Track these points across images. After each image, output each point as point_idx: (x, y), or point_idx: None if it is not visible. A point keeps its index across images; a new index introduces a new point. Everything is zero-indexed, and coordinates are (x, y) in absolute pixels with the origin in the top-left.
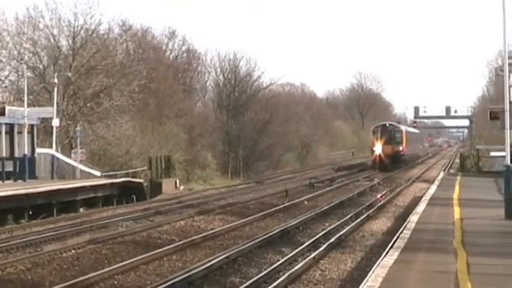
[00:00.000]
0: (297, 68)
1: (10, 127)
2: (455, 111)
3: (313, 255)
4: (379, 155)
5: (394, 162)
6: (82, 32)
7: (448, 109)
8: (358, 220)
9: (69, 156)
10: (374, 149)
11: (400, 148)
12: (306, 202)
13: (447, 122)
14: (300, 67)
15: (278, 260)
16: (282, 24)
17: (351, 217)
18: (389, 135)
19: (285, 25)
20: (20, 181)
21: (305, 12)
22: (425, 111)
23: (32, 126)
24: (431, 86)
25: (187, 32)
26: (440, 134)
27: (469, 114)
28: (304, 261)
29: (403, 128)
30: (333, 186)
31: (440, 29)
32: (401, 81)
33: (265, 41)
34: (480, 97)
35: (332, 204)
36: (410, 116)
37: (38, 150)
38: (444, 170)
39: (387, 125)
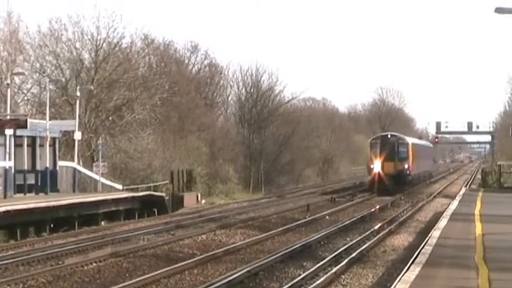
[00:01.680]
0: (318, 83)
1: (32, 140)
2: (477, 127)
3: (334, 269)
4: (379, 175)
5: (397, 184)
6: (104, 45)
7: (469, 124)
8: (380, 235)
9: (91, 170)
10: (372, 166)
11: (406, 166)
12: (327, 217)
13: (469, 138)
14: (322, 82)
15: (299, 275)
16: (305, 39)
17: (372, 232)
18: (392, 149)
19: (307, 40)
20: (41, 194)
21: (327, 28)
22: (446, 127)
23: (54, 139)
24: (453, 101)
25: (209, 45)
26: (461, 149)
27: (491, 129)
28: (325, 276)
29: (409, 140)
30: (354, 201)
31: (463, 44)
32: (424, 96)
33: (287, 55)
34: (502, 113)
35: (353, 219)
36: (432, 131)
37: (60, 163)
38: (466, 186)
39: (389, 136)
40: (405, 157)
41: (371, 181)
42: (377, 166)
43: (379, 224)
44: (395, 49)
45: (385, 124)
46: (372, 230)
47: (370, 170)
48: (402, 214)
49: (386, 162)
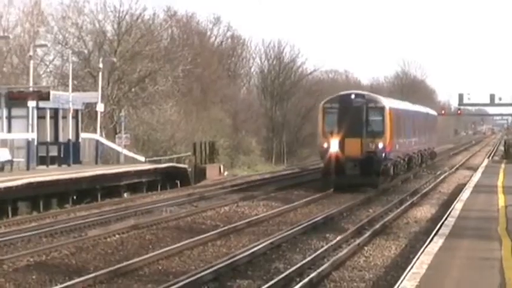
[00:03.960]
0: (342, 56)
1: (55, 112)
2: (500, 99)
3: (357, 241)
4: (336, 159)
5: (366, 174)
6: (127, 17)
7: (492, 96)
8: (402, 207)
9: (114, 141)
10: (325, 145)
11: (380, 145)
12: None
13: (491, 110)
14: (345, 55)
15: (322, 246)
16: (327, 12)
17: (395, 204)
18: (357, 118)
19: (330, 13)
20: (64, 166)
21: (350, 1)
22: (469, 99)
23: (76, 111)
24: (476, 73)
25: (232, 18)
26: (484, 121)
27: None
28: (348, 248)
29: (386, 102)
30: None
31: (485, 16)
32: (446, 68)
33: (310, 27)
34: None
35: (376, 191)
36: (454, 103)
37: (83, 135)
38: (488, 157)
39: (353, 96)
40: (379, 131)
41: (325, 167)
42: (333, 145)
43: (402, 196)
44: (418, 21)
45: (407, 96)
46: (395, 201)
47: (322, 152)
48: (425, 186)
49: (349, 138)
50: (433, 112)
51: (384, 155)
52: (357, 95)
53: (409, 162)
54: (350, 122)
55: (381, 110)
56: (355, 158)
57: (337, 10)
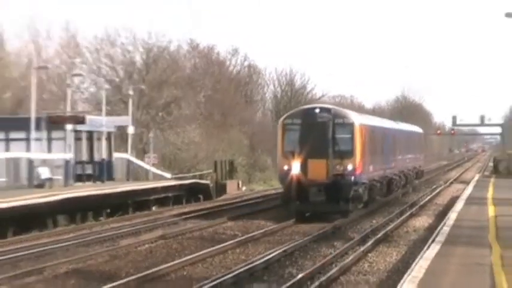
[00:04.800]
0: (347, 81)
1: (90, 134)
2: (489, 119)
3: (362, 249)
4: (298, 183)
5: (332, 200)
6: (155, 48)
7: (482, 117)
8: (402, 217)
9: (143, 160)
10: (285, 167)
11: (349, 166)
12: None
13: (482, 129)
14: (351, 81)
15: (331, 253)
16: (334, 41)
17: (395, 215)
18: (322, 135)
19: (336, 42)
20: (98, 182)
21: (354, 34)
22: (461, 120)
23: (109, 133)
24: (468, 97)
25: (248, 49)
26: (475, 140)
27: (502, 122)
28: (354, 254)
29: (355, 118)
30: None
31: (478, 46)
32: (441, 92)
33: (318, 56)
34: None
35: (379, 204)
36: (448, 124)
37: (115, 154)
38: (479, 172)
39: (317, 110)
40: (348, 150)
41: (285, 194)
42: (295, 167)
43: (402, 208)
44: (416, 51)
45: (405, 119)
46: (396, 212)
47: (282, 175)
48: (422, 198)
49: (312, 159)
50: (418, 130)
51: (353, 178)
52: (321, 109)
53: (389, 184)
54: (314, 141)
55: (350, 126)
56: (320, 182)
57: (343, 40)
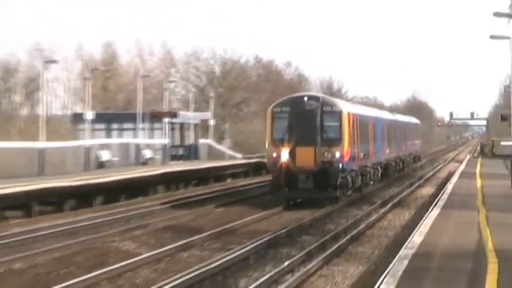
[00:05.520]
0: (372, 84)
1: (181, 125)
2: (477, 115)
3: (382, 210)
4: (286, 170)
5: (320, 187)
6: (229, 61)
7: (472, 113)
8: (412, 188)
9: (221, 145)
10: (274, 155)
11: (337, 153)
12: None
13: (472, 122)
14: (375, 84)
15: (359, 214)
16: (363, 50)
17: (407, 185)
18: (311, 123)
19: (364, 53)
20: (187, 161)
21: (377, 43)
22: (457, 115)
23: (195, 124)
24: (462, 96)
25: (299, 61)
26: (467, 130)
27: (487, 116)
28: (376, 215)
29: (343, 106)
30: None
31: (471, 55)
32: (441, 92)
33: (351, 65)
34: (495, 105)
35: (395, 177)
36: (447, 118)
37: (200, 140)
38: (469, 154)
39: (306, 99)
40: (336, 137)
41: (274, 181)
42: (284, 155)
43: (412, 180)
44: (425, 58)
45: (415, 114)
46: (407, 183)
47: (271, 162)
48: (427, 173)
49: (301, 147)
50: (415, 121)
51: (341, 165)
52: (310, 97)
53: (385, 169)
54: (302, 128)
55: (338, 114)
56: (308, 170)
57: (369, 51)
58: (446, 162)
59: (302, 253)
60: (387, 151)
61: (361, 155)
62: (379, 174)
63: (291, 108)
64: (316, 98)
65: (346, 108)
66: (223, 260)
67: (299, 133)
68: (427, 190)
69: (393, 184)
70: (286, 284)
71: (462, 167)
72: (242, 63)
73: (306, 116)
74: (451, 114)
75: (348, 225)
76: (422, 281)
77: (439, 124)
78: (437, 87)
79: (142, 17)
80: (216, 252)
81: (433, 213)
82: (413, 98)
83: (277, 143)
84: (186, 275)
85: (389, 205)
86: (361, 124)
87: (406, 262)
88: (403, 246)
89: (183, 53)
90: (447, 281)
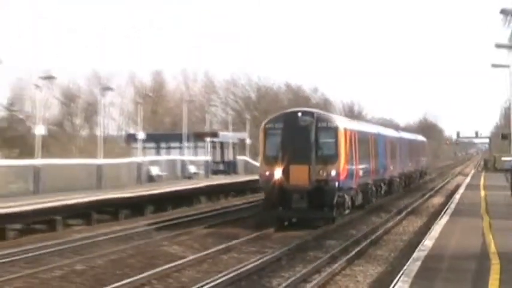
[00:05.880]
0: (388, 106)
1: (221, 144)
2: (481, 134)
3: (398, 218)
4: (280, 188)
5: (315, 207)
6: (263, 87)
7: (476, 132)
8: (424, 198)
9: (256, 161)
10: (266, 173)
11: (332, 172)
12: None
13: (476, 140)
14: (390, 105)
15: (378, 221)
16: (381, 74)
17: (419, 196)
18: (305, 139)
19: (383, 75)
20: (227, 175)
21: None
22: (463, 134)
23: (234, 143)
24: (467, 118)
25: (325, 87)
26: (472, 147)
27: (489, 135)
28: (393, 221)
29: (339, 122)
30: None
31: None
32: (450, 115)
33: (370, 89)
34: (497, 125)
35: (408, 189)
36: (454, 137)
37: (238, 157)
38: (474, 168)
39: (300, 114)
40: (331, 155)
41: (267, 201)
42: (277, 173)
43: (424, 192)
44: (436, 80)
45: (425, 134)
46: (419, 194)
47: (264, 180)
48: (437, 185)
49: (294, 165)
50: (422, 138)
51: (337, 183)
52: (304, 113)
53: (389, 185)
54: (296, 145)
55: (334, 130)
56: (302, 188)
57: (386, 75)
58: (454, 175)
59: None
60: (391, 168)
61: (361, 172)
62: (383, 191)
63: (284, 125)
64: (311, 114)
65: (342, 124)
66: (260, 260)
67: (293, 150)
68: (438, 200)
69: (408, 195)
70: None
71: (468, 179)
72: (275, 88)
73: (300, 132)
74: (457, 133)
75: (368, 231)
76: (433, 279)
77: (447, 142)
78: (445, 108)
79: (186, 47)
80: (252, 255)
81: (442, 220)
82: (424, 119)
83: (270, 161)
84: (226, 274)
85: (404, 213)
86: (361, 141)
87: (419, 263)
88: (417, 249)
89: (223, 80)
90: (455, 279)
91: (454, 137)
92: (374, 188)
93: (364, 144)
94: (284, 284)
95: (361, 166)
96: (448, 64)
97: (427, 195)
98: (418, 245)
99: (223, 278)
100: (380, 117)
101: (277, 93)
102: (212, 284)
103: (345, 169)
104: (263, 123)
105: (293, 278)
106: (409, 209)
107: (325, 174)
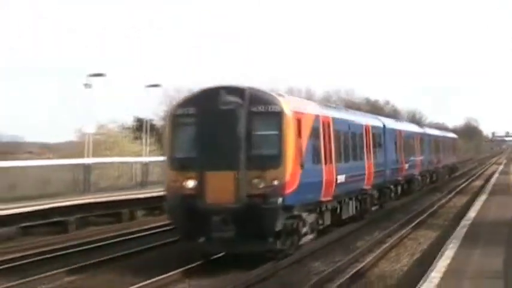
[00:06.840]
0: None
1: None
2: (510, 133)
3: (449, 196)
4: (191, 207)
5: (246, 236)
6: (348, 102)
7: (507, 132)
8: (450, 196)
9: None
10: (173, 184)
11: (275, 181)
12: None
13: (507, 138)
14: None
15: (403, 218)
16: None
17: (444, 194)
18: (230, 132)
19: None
20: None
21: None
22: (497, 133)
23: None
24: (500, 119)
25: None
26: (504, 143)
27: None
28: (417, 220)
29: (284, 104)
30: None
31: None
32: (487, 118)
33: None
34: None
35: (431, 187)
36: (490, 136)
37: None
38: (505, 160)
39: (222, 93)
40: (272, 154)
41: (178, 225)
42: (189, 184)
43: (450, 189)
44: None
45: (469, 138)
46: (445, 192)
47: (171, 194)
48: (478, 172)
49: (213, 172)
50: (451, 135)
51: (282, 199)
52: (230, 91)
53: (409, 183)
54: (216, 141)
55: (277, 116)
56: (225, 208)
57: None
58: (490, 164)
59: None
60: (406, 166)
61: (344, 177)
62: (392, 194)
63: (198, 109)
64: (240, 91)
65: (292, 106)
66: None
67: (211, 148)
68: (478, 182)
69: (431, 193)
70: None
71: (500, 167)
72: (356, 102)
73: (222, 120)
74: (493, 133)
75: (404, 221)
76: (477, 240)
77: (486, 141)
78: (483, 110)
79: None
80: None
81: (482, 197)
82: (467, 124)
83: (179, 165)
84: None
85: (430, 211)
86: (345, 134)
87: (465, 229)
88: (463, 219)
89: (321, 94)
90: (493, 239)
91: (490, 135)
92: (374, 193)
93: (353, 139)
94: None
95: (345, 169)
96: (482, 69)
97: (469, 180)
98: (464, 215)
99: None
100: (430, 121)
101: (359, 107)
102: None
103: (296, 175)
104: (171, 109)
105: None
106: (434, 207)
107: (262, 185)
